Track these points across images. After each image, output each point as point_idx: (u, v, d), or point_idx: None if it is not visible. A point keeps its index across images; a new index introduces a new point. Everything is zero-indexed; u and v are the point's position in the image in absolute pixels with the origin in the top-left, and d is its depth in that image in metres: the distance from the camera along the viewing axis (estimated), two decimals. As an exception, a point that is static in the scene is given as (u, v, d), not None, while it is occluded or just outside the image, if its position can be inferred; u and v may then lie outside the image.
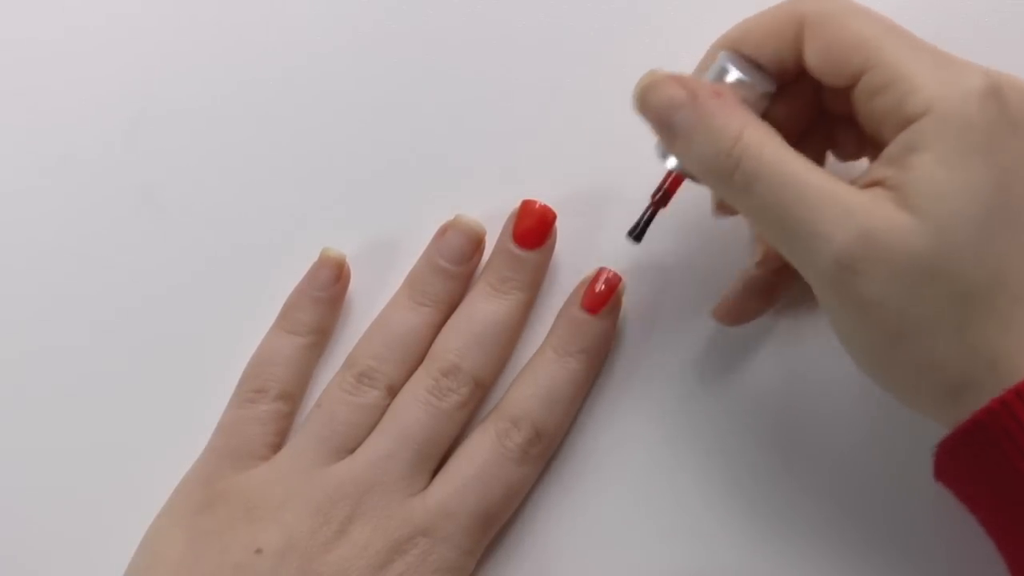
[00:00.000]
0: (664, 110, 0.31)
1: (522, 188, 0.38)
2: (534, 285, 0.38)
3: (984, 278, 0.28)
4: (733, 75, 0.32)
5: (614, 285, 0.37)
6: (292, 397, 0.38)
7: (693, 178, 0.33)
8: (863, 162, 0.35)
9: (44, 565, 0.39)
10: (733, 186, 0.30)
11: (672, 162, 0.33)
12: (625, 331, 0.39)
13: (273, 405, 0.38)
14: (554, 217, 0.37)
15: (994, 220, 0.28)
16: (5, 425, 0.40)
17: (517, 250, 0.37)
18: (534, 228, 0.37)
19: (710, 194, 0.36)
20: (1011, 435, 0.28)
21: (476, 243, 0.38)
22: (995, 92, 0.29)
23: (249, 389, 0.38)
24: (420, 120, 0.41)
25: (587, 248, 0.38)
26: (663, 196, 0.34)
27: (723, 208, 0.36)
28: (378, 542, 0.35)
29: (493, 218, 0.38)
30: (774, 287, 0.36)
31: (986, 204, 0.28)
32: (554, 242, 0.38)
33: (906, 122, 0.29)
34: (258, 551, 0.34)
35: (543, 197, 0.38)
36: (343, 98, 0.41)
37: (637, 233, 0.34)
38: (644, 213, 0.34)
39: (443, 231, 0.38)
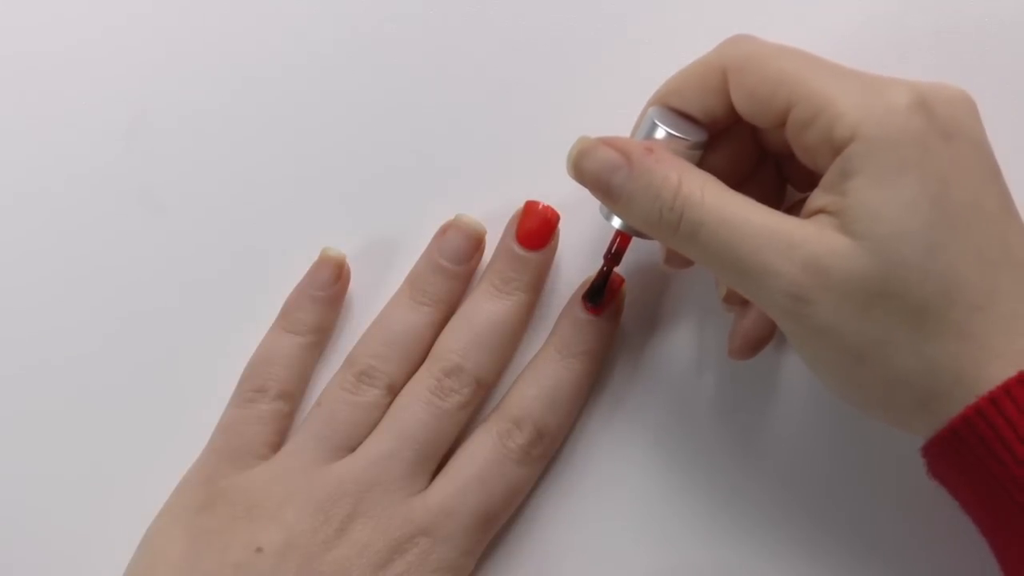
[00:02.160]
0: (600, 175, 0.32)
1: (523, 188, 0.38)
2: (537, 286, 0.38)
3: (933, 292, 0.28)
4: (661, 131, 0.33)
5: (616, 286, 0.37)
6: (292, 396, 0.38)
7: (640, 234, 0.34)
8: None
9: (44, 565, 0.39)
10: (680, 237, 0.31)
11: (617, 222, 0.34)
12: (625, 331, 0.39)
13: (273, 404, 0.38)
14: (557, 218, 0.38)
15: (936, 233, 0.28)
16: (4, 425, 0.40)
17: (520, 250, 0.37)
18: (537, 229, 0.37)
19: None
20: (986, 442, 0.28)
21: (476, 242, 0.38)
22: (921, 105, 0.29)
23: (249, 388, 0.38)
24: (421, 120, 0.41)
25: (590, 249, 0.38)
26: (614, 256, 0.36)
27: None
28: (378, 541, 0.35)
29: (494, 218, 0.38)
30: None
31: (925, 218, 0.28)
32: (557, 243, 0.38)
33: (837, 149, 0.29)
34: (258, 550, 0.34)
35: (545, 198, 0.38)
36: (343, 98, 0.41)
37: (594, 294, 0.36)
38: (598, 274, 0.36)
39: (444, 230, 0.38)
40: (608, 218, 0.34)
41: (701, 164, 0.33)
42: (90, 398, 0.40)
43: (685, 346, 0.38)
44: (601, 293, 0.37)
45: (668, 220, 0.30)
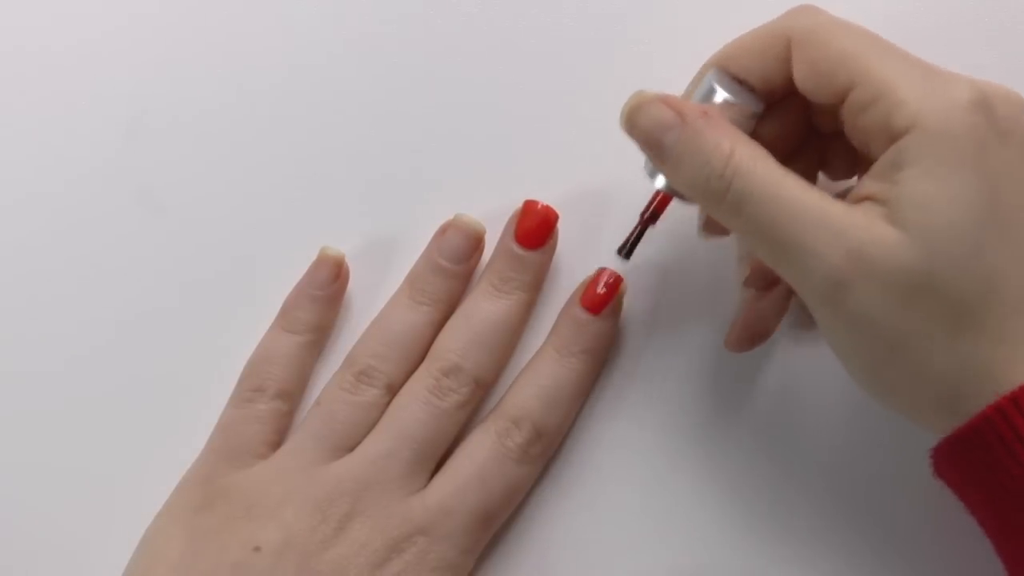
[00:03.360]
0: (653, 131, 0.31)
1: (523, 188, 0.38)
2: (536, 285, 0.38)
3: (975, 291, 0.28)
4: (720, 96, 0.32)
5: (615, 286, 0.37)
6: (291, 395, 0.38)
7: (681, 197, 0.33)
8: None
9: (44, 565, 0.39)
10: (725, 206, 0.30)
11: (660, 181, 0.33)
12: (625, 331, 0.39)
13: (271, 404, 0.38)
14: (556, 217, 0.38)
15: (984, 232, 0.28)
16: (3, 426, 0.40)
17: (519, 250, 0.37)
18: (536, 228, 0.37)
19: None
20: (1006, 442, 0.28)
21: (476, 242, 0.38)
22: (982, 103, 0.29)
23: (247, 388, 0.38)
24: (420, 120, 0.41)
25: (588, 248, 0.38)
26: (652, 215, 0.35)
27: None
28: (376, 540, 0.35)
29: (493, 218, 0.38)
30: (776, 305, 0.36)
31: (974, 216, 0.28)
32: (556, 242, 0.38)
33: (894, 137, 0.29)
34: (256, 549, 0.34)
35: (544, 197, 0.38)
36: (343, 97, 0.41)
37: (627, 251, 0.35)
38: (633, 231, 0.35)
39: (443, 230, 0.38)
40: (652, 176, 0.33)
41: (751, 133, 0.32)
42: (90, 398, 0.40)
43: (685, 346, 0.38)
44: (633, 249, 0.36)
45: (716, 188, 0.30)
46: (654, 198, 0.35)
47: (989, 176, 0.28)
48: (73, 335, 0.40)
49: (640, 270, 0.38)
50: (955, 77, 0.29)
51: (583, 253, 0.39)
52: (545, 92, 0.40)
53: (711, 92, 0.32)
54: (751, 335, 0.35)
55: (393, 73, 0.41)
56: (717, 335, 0.38)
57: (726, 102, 0.32)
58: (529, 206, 0.38)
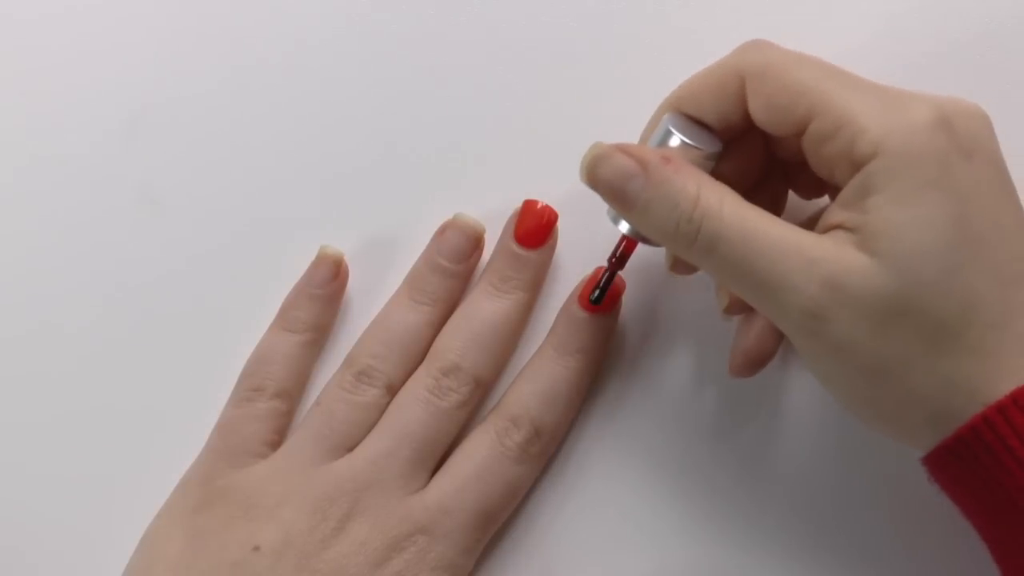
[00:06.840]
0: (616, 182, 0.31)
1: (523, 188, 0.38)
2: (535, 285, 0.38)
3: (952, 310, 0.28)
4: (676, 139, 0.32)
5: (618, 290, 0.37)
6: (290, 395, 0.38)
7: (647, 241, 0.33)
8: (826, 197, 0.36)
9: (45, 565, 0.39)
10: (696, 249, 0.30)
11: (625, 227, 0.33)
12: (625, 331, 0.39)
13: (270, 403, 0.38)
14: (555, 217, 0.38)
15: (955, 252, 0.28)
16: (4, 425, 0.40)
17: (519, 249, 0.37)
18: (536, 228, 0.37)
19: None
20: (992, 451, 0.28)
21: (475, 241, 0.38)
22: (942, 122, 0.29)
23: (247, 388, 0.38)
24: (420, 119, 0.41)
25: (588, 248, 0.38)
26: (619, 260, 0.35)
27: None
28: (376, 539, 0.35)
29: (493, 218, 0.38)
30: (771, 328, 0.36)
31: (945, 237, 0.28)
32: (555, 242, 0.38)
33: (858, 164, 0.29)
34: (256, 548, 0.34)
35: (544, 197, 0.38)
36: (343, 96, 0.41)
37: (598, 297, 0.36)
38: (602, 276, 0.36)
39: (442, 230, 0.38)
40: (615, 222, 0.34)
41: (712, 172, 0.33)
42: (89, 398, 0.40)
43: (685, 344, 0.38)
44: (603, 296, 0.36)
45: (685, 232, 0.30)
46: (620, 243, 0.35)
47: (956, 195, 0.28)
48: (71, 334, 0.40)
49: (640, 270, 0.38)
50: (914, 98, 0.29)
51: (583, 253, 0.38)
52: (545, 91, 0.40)
53: (668, 136, 0.32)
54: (751, 361, 0.35)
55: (393, 72, 0.41)
56: (716, 335, 0.38)
57: (683, 145, 0.32)
58: (529, 206, 0.38)
